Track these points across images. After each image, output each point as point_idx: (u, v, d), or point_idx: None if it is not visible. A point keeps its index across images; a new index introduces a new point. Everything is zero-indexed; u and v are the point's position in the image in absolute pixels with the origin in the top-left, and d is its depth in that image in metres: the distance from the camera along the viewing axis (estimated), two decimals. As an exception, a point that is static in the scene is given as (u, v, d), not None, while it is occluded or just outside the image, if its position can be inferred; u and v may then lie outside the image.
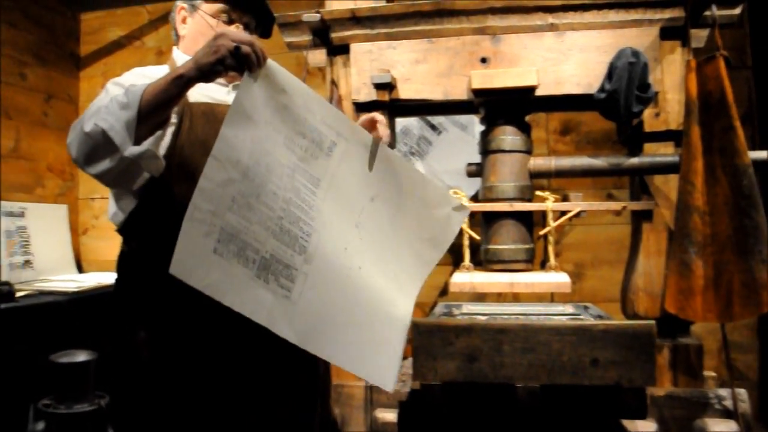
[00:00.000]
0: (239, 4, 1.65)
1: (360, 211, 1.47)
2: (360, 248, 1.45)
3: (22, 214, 3.34)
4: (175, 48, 1.72)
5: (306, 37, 2.31)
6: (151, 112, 1.31)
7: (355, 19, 2.25)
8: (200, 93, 1.57)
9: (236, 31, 1.34)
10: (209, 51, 1.26)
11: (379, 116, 1.52)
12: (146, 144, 1.34)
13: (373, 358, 1.44)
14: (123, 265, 1.58)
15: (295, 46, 2.37)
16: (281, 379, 1.55)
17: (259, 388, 1.51)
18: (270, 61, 1.33)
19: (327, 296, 1.38)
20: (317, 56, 2.33)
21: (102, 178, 1.39)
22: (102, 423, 1.09)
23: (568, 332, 1.58)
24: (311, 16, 2.20)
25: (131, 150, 1.31)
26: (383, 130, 1.50)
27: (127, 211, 1.52)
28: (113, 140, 1.30)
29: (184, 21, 1.69)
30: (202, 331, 1.44)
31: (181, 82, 1.30)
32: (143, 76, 1.50)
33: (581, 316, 1.98)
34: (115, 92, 1.40)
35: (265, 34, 1.78)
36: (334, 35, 2.29)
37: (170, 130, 1.50)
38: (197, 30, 1.65)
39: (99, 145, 1.32)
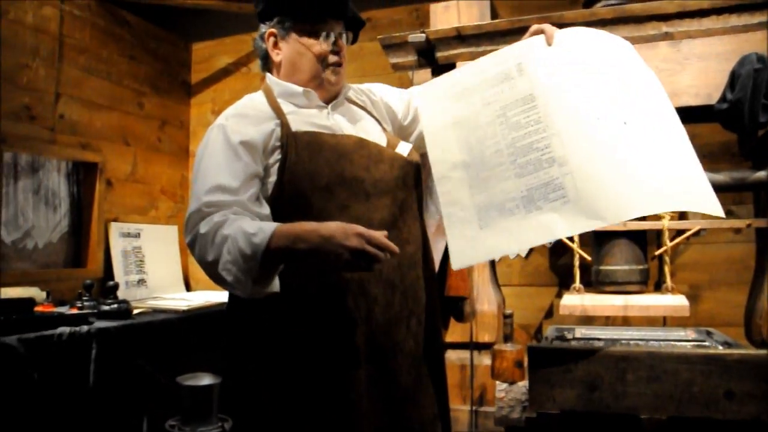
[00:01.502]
0: (333, 15, 1.59)
1: (594, 87, 1.46)
2: (616, 110, 1.43)
3: (138, 235, 3.53)
4: (269, 75, 1.63)
5: (411, 58, 2.32)
6: (272, 264, 1.34)
7: (461, 37, 2.24)
8: (302, 120, 1.54)
9: (349, 245, 1.28)
10: (332, 257, 1.28)
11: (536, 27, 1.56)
12: (267, 287, 1.37)
13: (690, 188, 1.39)
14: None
15: (400, 67, 2.38)
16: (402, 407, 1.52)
17: (376, 416, 1.48)
18: (429, 87, 1.60)
19: (603, 168, 1.36)
20: (422, 76, 2.33)
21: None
22: (226, 445, 1.10)
23: (698, 361, 1.47)
24: (416, 37, 2.21)
25: (253, 293, 1.35)
26: (548, 29, 1.53)
27: None
28: (238, 291, 1.35)
29: (276, 46, 1.60)
30: (319, 357, 1.43)
31: (298, 260, 1.34)
32: (243, 118, 1.51)
33: (706, 343, 1.85)
34: (219, 154, 1.45)
35: (354, 39, 1.71)
36: (439, 54, 2.28)
37: (276, 166, 1.47)
38: (295, 52, 1.58)
39: (226, 286, 1.38)
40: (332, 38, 1.57)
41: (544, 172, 1.39)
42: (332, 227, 1.30)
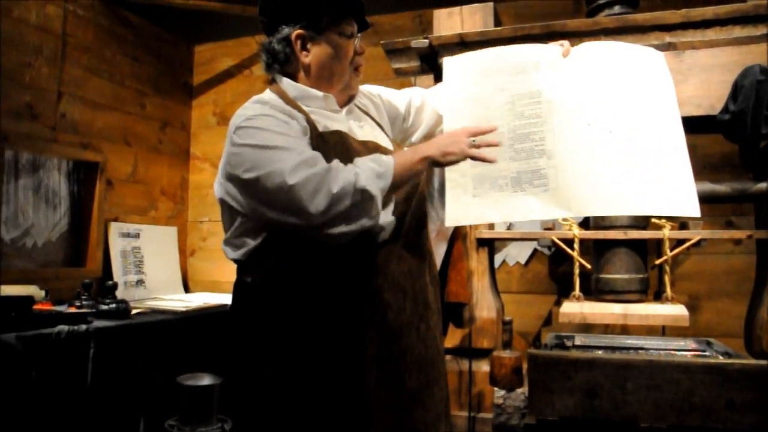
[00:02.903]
0: (358, 16, 1.56)
1: (592, 96, 1.63)
2: (606, 118, 1.60)
3: (137, 236, 3.52)
4: (283, 78, 1.56)
5: (414, 63, 2.32)
6: (398, 184, 1.41)
7: (464, 43, 2.24)
8: (326, 119, 1.53)
9: (467, 139, 1.45)
10: (450, 145, 1.42)
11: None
12: (390, 215, 1.43)
13: (664, 191, 1.55)
14: (244, 295, 1.54)
15: (402, 72, 2.38)
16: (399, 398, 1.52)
17: (385, 419, 1.47)
18: (451, 61, 1.75)
19: (581, 168, 1.55)
20: (424, 81, 2.33)
21: (341, 238, 1.36)
22: (225, 445, 1.10)
23: (699, 370, 1.47)
24: (420, 42, 2.21)
25: (385, 218, 1.42)
26: (567, 44, 1.69)
27: (251, 246, 1.48)
28: (377, 205, 1.35)
29: (305, 49, 1.53)
30: (330, 362, 1.43)
31: (427, 163, 1.43)
32: (278, 111, 1.46)
33: (706, 353, 1.85)
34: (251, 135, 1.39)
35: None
36: (442, 60, 2.28)
37: None
38: (328, 54, 1.53)
39: (362, 206, 1.34)
40: (352, 40, 1.56)
41: (533, 161, 1.59)
42: (441, 140, 1.46)
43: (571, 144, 1.58)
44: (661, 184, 1.55)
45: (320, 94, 1.54)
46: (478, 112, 1.67)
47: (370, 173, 1.35)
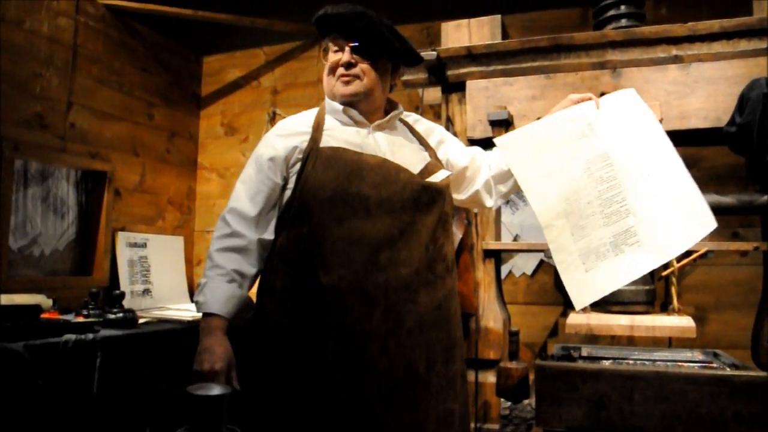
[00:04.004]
0: (338, 33, 1.65)
1: (638, 147, 1.73)
2: (655, 165, 1.71)
3: (144, 245, 3.54)
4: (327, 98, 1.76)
5: (422, 75, 2.33)
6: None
7: (471, 56, 2.26)
8: (336, 137, 1.61)
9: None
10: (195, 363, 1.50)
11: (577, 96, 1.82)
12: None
13: (700, 214, 1.67)
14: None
15: (410, 84, 2.40)
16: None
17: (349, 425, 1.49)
18: (505, 141, 1.80)
19: (657, 215, 1.64)
20: (431, 93, 2.35)
21: None
22: (235, 455, 1.10)
23: (706, 382, 1.47)
24: (428, 54, 2.23)
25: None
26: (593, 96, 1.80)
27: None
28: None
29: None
30: (297, 360, 1.49)
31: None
32: (281, 131, 1.67)
33: (714, 364, 1.85)
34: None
35: (415, 59, 1.76)
36: (449, 72, 2.30)
37: (295, 177, 1.58)
38: (323, 69, 1.72)
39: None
40: (341, 52, 1.66)
41: (623, 222, 1.65)
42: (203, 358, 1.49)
43: (642, 197, 1.67)
44: (697, 208, 1.67)
45: (340, 107, 1.67)
46: (561, 186, 1.72)
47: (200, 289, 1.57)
